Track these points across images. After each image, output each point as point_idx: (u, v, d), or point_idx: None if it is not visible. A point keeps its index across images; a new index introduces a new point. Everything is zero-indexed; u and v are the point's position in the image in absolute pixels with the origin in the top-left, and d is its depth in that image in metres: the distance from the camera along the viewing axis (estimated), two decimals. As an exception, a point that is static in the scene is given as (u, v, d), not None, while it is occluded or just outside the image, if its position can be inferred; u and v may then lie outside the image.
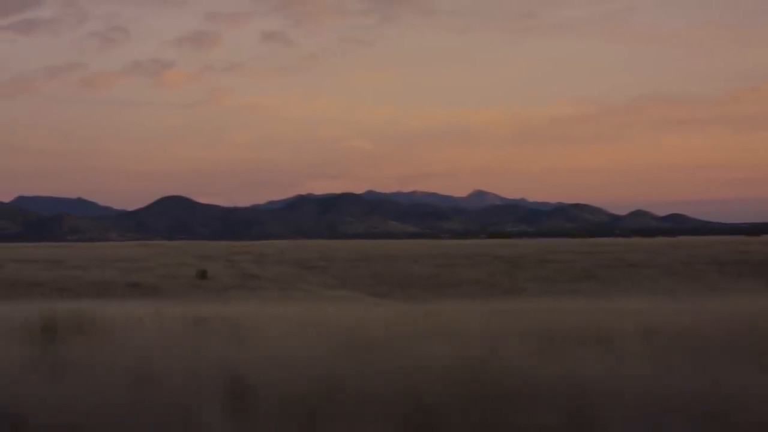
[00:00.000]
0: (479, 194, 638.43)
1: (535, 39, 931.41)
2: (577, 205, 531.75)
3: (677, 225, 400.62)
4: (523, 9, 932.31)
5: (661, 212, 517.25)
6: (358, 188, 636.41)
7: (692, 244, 74.88)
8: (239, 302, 30.71)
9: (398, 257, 65.68)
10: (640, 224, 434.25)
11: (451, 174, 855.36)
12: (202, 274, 54.44)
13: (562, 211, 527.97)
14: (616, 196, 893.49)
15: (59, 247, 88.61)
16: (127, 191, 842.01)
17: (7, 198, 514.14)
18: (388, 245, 78.98)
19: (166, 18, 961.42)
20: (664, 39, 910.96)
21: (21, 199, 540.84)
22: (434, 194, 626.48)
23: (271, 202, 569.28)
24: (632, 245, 75.44)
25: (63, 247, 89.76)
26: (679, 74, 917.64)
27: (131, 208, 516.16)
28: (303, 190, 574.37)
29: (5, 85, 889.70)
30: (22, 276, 55.86)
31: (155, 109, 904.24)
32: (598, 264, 61.05)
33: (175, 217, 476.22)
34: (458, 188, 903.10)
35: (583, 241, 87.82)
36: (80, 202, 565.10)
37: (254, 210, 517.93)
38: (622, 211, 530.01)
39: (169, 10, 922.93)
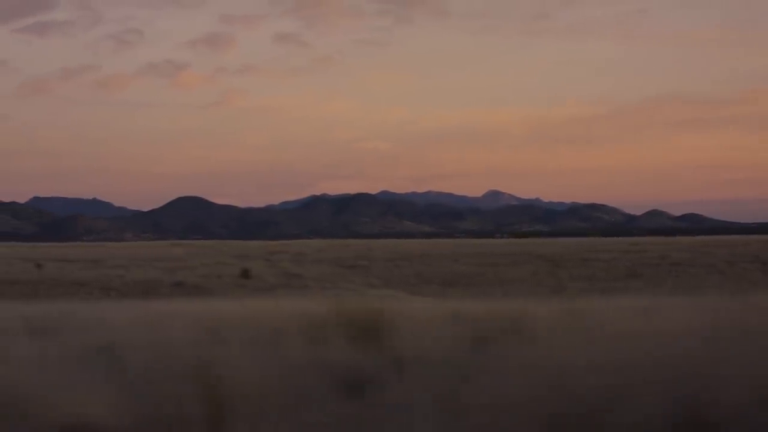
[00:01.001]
0: (494, 194, 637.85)
1: (550, 40, 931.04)
2: (592, 205, 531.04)
3: (693, 225, 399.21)
4: (537, 10, 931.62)
5: (677, 212, 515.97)
6: (373, 189, 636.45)
7: (732, 243, 74.42)
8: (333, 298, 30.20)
9: (437, 256, 65.33)
10: (656, 224, 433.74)
11: (466, 174, 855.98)
12: (245, 273, 54.12)
13: (577, 211, 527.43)
14: (632, 196, 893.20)
15: (95, 247, 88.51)
16: (142, 192, 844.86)
17: (22, 199, 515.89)
18: (425, 244, 78.71)
19: (181, 20, 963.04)
20: (678, 40, 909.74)
21: (36, 200, 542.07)
22: (449, 194, 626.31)
23: (286, 203, 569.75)
24: (672, 244, 75.05)
25: (98, 246, 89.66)
26: (693, 74, 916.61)
27: (146, 208, 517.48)
28: (317, 191, 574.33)
29: (20, 87, 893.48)
30: (65, 275, 55.68)
31: (170, 111, 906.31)
32: (641, 263, 60.61)
33: (190, 218, 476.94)
34: (473, 188, 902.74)
35: (620, 239, 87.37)
36: (95, 203, 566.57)
37: (269, 210, 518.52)
38: (637, 211, 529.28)
39: (184, 12, 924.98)
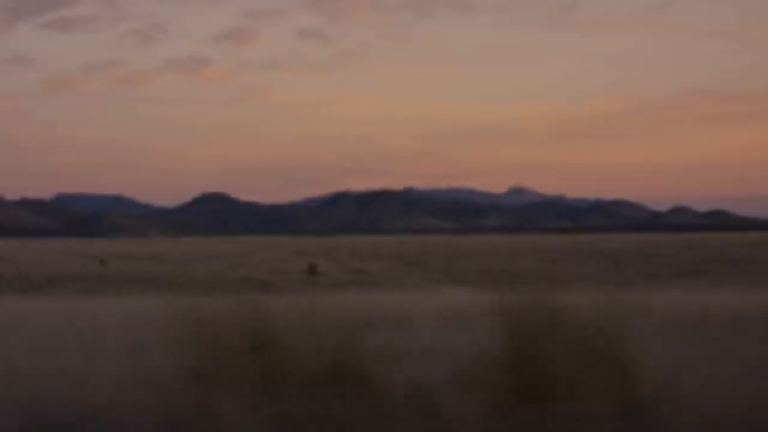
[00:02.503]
0: (517, 191, 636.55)
1: (575, 34, 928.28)
2: (616, 202, 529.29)
3: (719, 221, 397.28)
4: (562, 3, 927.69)
5: (702, 208, 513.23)
6: (396, 185, 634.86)
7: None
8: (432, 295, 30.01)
9: (495, 252, 65.10)
10: (681, 220, 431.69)
11: (489, 170, 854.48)
12: (313, 269, 53.95)
13: (601, 207, 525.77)
14: (656, 193, 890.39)
15: (152, 242, 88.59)
16: (167, 188, 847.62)
17: (47, 196, 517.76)
18: (480, 241, 78.46)
19: (204, 15, 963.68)
20: (705, 33, 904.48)
21: (61, 197, 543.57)
22: (472, 191, 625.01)
23: (310, 199, 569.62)
24: (731, 240, 74.55)
25: (155, 242, 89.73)
26: (720, 69, 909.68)
27: (171, 205, 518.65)
28: (341, 187, 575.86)
29: (44, 83, 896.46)
30: (130, 272, 55.67)
31: (193, 107, 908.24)
32: (704, 259, 60.21)
33: (214, 215, 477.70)
34: (496, 185, 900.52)
35: (677, 235, 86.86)
36: (119, 200, 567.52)
37: (293, 207, 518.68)
38: (662, 208, 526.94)
39: (207, 8, 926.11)
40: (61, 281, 52.95)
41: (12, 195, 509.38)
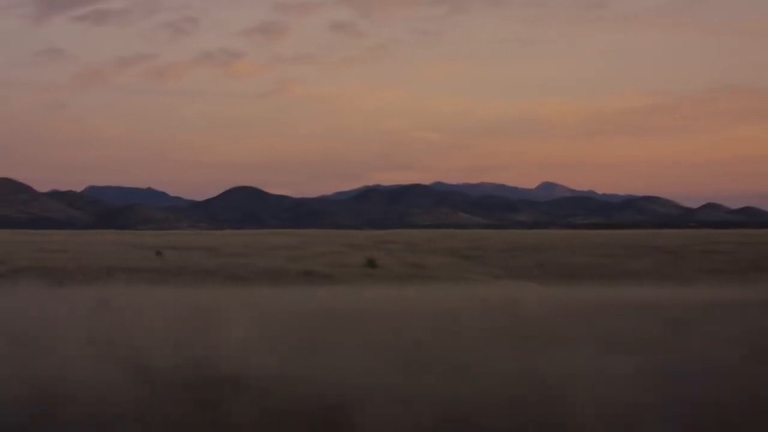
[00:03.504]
0: (548, 186, 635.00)
1: (606, 29, 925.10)
2: (648, 198, 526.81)
3: (751, 218, 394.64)
4: (592, 0, 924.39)
5: (734, 205, 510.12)
6: (426, 179, 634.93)
7: None
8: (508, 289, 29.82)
9: (551, 247, 64.81)
10: (713, 217, 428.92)
11: (520, 165, 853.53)
12: (371, 263, 53.79)
13: (632, 203, 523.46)
14: (688, 189, 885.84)
15: (203, 235, 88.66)
16: (197, 181, 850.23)
17: (78, 188, 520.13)
18: (535, 235, 78.11)
19: (236, 9, 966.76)
20: (736, 30, 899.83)
21: (92, 189, 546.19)
22: (502, 185, 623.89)
23: (340, 193, 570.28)
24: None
25: (206, 234, 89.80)
26: (752, 65, 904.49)
27: (201, 198, 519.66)
28: (371, 181, 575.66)
29: (77, 76, 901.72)
30: (188, 263, 55.63)
31: (224, 100, 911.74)
32: (765, 255, 59.67)
33: (245, 208, 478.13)
34: (527, 180, 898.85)
35: (735, 231, 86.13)
36: (150, 192, 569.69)
37: (323, 200, 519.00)
38: (693, 204, 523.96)
39: (239, 1, 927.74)
40: (121, 272, 52.95)
41: (44, 187, 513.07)
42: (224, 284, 48.67)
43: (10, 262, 59.04)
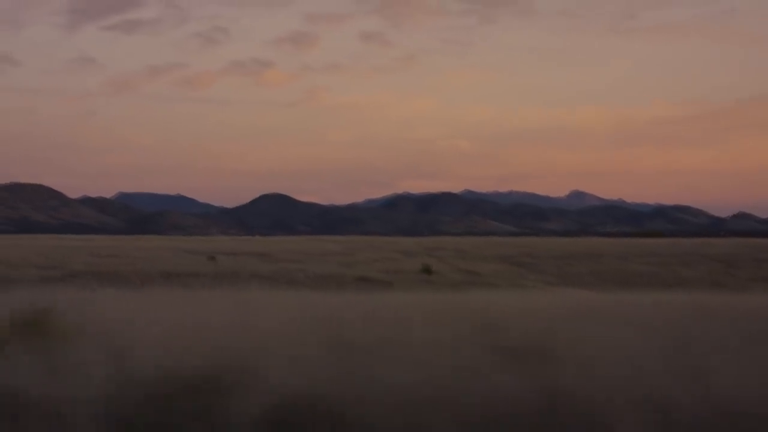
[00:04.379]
0: (577, 195, 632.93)
1: (636, 40, 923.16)
2: (678, 207, 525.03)
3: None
4: (623, 10, 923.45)
5: (764, 214, 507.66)
6: (456, 188, 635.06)
7: None
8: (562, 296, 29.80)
9: (601, 255, 64.64)
10: (743, 226, 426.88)
11: (549, 174, 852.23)
12: (427, 269, 53.80)
13: (662, 212, 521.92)
14: (718, 198, 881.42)
15: (252, 241, 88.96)
16: (227, 189, 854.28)
17: (108, 194, 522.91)
18: (585, 243, 77.98)
19: (266, 18, 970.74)
20: (766, 41, 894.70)
21: (122, 196, 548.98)
22: (532, 194, 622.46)
23: (369, 201, 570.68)
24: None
25: (255, 241, 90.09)
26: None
27: (231, 205, 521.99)
28: (400, 189, 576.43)
29: (108, 84, 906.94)
30: (242, 269, 55.85)
31: (254, 108, 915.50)
32: (818, 264, 59.41)
33: (274, 215, 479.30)
34: (556, 188, 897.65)
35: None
36: (180, 199, 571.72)
37: (352, 208, 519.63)
38: (724, 214, 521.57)
39: (269, 11, 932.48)
40: (178, 276, 53.31)
41: (75, 193, 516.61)
42: (287, 289, 48.92)
43: (64, 267, 59.53)
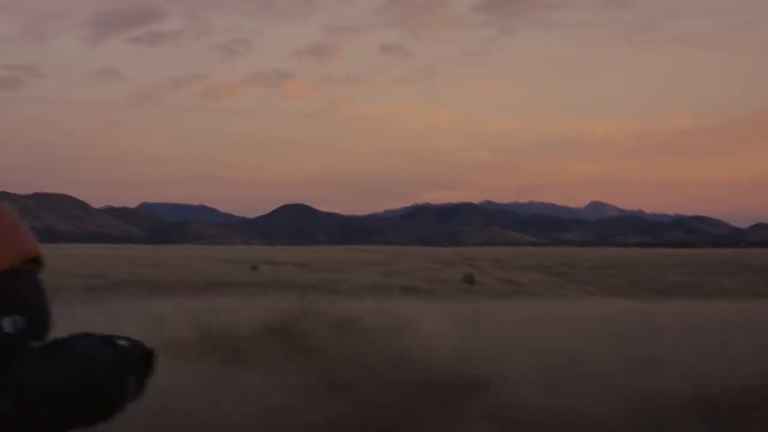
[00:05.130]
0: (597, 205, 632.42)
1: (655, 50, 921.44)
2: (697, 217, 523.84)
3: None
4: (642, 21, 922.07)
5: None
6: (476, 198, 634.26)
7: None
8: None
9: (638, 264, 64.84)
10: (763, 237, 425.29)
11: (568, 184, 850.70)
12: (470, 279, 54.25)
13: (682, 223, 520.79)
14: (737, 209, 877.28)
15: (291, 250, 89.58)
16: (248, 199, 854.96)
17: (132, 204, 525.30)
18: (619, 253, 78.13)
19: (287, 30, 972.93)
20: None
21: (145, 206, 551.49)
22: (551, 205, 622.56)
23: (389, 211, 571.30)
24: None
25: (294, 250, 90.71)
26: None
27: (252, 215, 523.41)
28: (420, 200, 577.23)
29: (131, 95, 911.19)
30: (284, 278, 56.32)
31: (276, 119, 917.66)
32: None
33: (295, 225, 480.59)
34: (575, 199, 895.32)
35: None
36: (202, 209, 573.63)
37: (373, 218, 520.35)
38: (743, 224, 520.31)
39: (290, 23, 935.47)
40: (222, 286, 53.86)
41: (99, 203, 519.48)
42: (335, 297, 49.44)
43: (108, 276, 60.09)
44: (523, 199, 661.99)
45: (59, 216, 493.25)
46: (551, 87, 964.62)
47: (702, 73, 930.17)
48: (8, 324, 2.38)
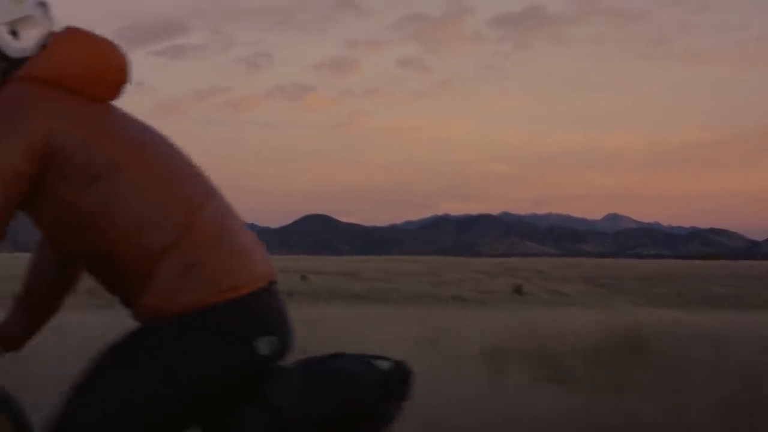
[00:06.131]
0: (613, 217, 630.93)
1: (670, 65, 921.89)
2: (714, 230, 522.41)
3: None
4: (655, 37, 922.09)
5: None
6: (494, 210, 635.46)
7: None
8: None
9: (681, 276, 65.57)
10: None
11: (585, 196, 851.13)
12: (518, 290, 55.01)
13: (698, 235, 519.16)
14: (754, 222, 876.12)
15: (336, 260, 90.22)
16: (270, 209, 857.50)
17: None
18: (660, 264, 78.73)
19: (308, 44, 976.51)
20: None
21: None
22: (569, 216, 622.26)
23: (408, 222, 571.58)
24: None
25: (339, 260, 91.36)
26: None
27: (275, 225, 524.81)
28: (439, 211, 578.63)
29: (155, 108, 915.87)
30: (335, 287, 57.09)
31: (297, 131, 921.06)
32: None
33: (317, 235, 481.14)
34: (592, 211, 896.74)
35: None
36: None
37: (393, 229, 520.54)
38: (759, 237, 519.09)
39: (311, 37, 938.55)
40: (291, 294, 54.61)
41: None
42: (387, 306, 50.14)
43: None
44: (541, 210, 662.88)
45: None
46: (567, 100, 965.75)
47: (716, 87, 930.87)
48: (264, 345, 2.33)
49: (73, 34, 2.52)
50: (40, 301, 2.77)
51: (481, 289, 56.15)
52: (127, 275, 2.36)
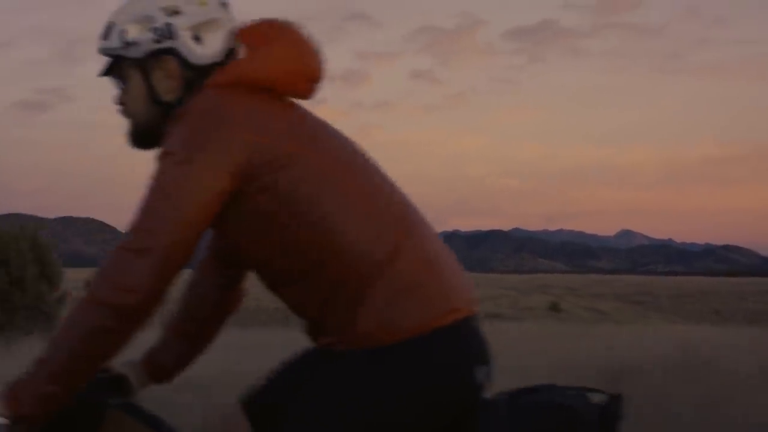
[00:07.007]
0: (626, 233, 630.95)
1: (685, 79, 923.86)
2: (728, 247, 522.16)
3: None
4: (670, 50, 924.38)
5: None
6: (505, 225, 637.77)
7: None
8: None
9: (716, 293, 65.41)
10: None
11: (598, 212, 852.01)
12: (554, 307, 54.83)
13: (712, 252, 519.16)
14: (766, 238, 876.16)
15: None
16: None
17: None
18: (694, 281, 78.65)
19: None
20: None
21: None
22: (581, 233, 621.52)
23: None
24: None
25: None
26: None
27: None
28: (449, 226, 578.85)
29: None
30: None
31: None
32: None
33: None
34: (605, 227, 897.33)
35: None
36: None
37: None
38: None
39: (322, 48, 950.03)
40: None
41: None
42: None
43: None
44: (553, 226, 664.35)
45: (86, 239, 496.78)
46: (581, 114, 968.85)
47: (730, 102, 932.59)
48: (482, 374, 2.15)
49: (268, 32, 2.29)
50: (198, 328, 2.52)
51: (518, 306, 55.99)
52: (333, 294, 2.10)
